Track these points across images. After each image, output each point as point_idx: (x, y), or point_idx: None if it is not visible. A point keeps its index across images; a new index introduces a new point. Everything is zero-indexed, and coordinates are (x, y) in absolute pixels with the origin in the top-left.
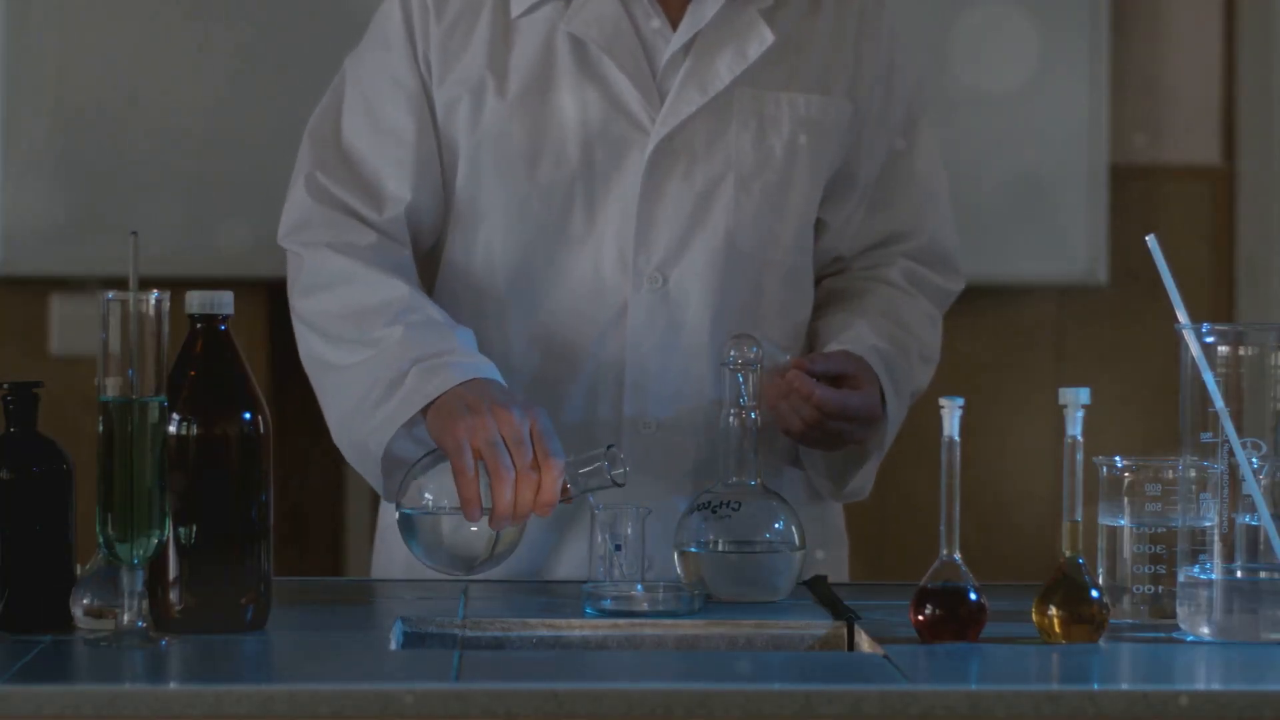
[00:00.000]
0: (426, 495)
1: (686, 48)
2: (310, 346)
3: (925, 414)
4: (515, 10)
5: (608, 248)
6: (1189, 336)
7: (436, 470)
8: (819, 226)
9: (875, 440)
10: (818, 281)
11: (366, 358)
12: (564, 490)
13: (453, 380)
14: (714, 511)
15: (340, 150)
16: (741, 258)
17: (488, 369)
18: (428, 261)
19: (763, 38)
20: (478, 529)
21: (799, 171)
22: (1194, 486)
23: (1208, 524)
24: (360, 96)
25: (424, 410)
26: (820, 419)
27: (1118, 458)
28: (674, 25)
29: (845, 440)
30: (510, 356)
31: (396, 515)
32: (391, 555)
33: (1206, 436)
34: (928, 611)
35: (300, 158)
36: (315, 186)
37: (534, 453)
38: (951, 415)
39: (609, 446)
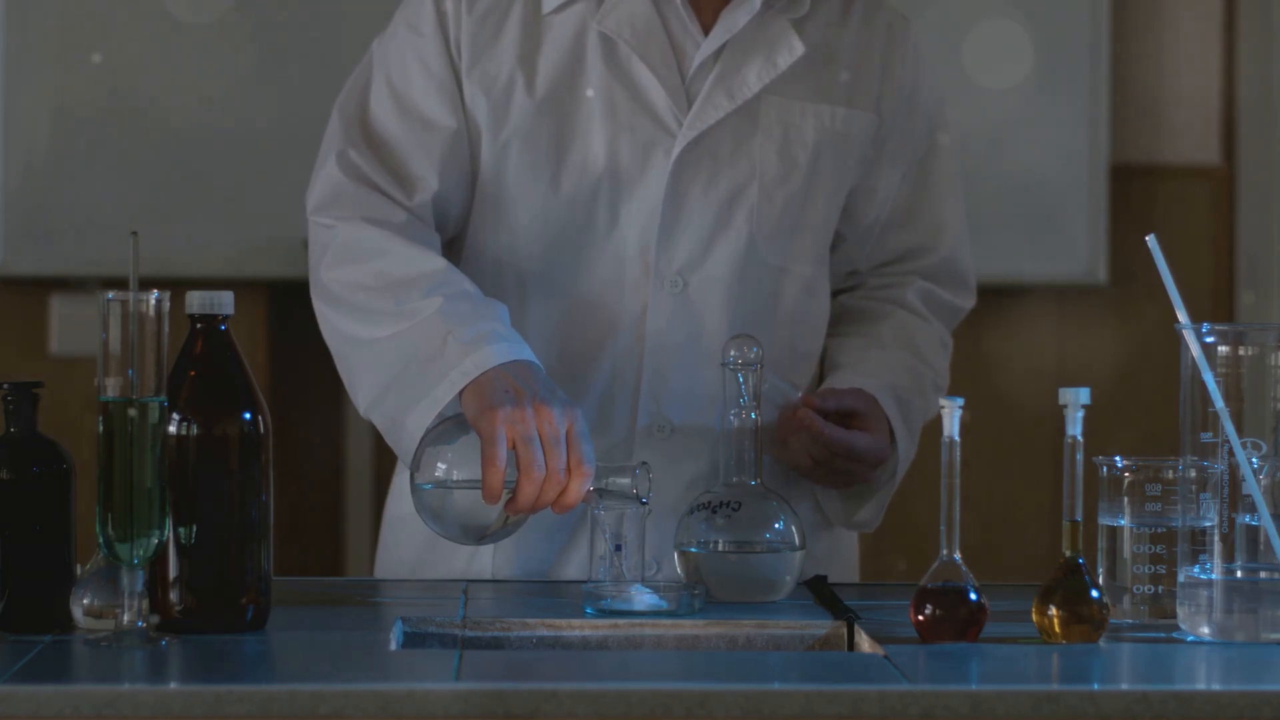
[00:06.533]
0: (443, 466)
1: (717, 53)
2: (336, 324)
3: None
4: (547, 7)
5: (630, 248)
6: (1189, 336)
7: (458, 443)
8: (836, 239)
9: (884, 476)
10: (833, 295)
11: (402, 329)
12: (585, 494)
13: (495, 360)
14: (714, 511)
15: (370, 133)
16: (761, 266)
17: (528, 351)
18: (448, 254)
19: (793, 48)
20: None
21: (821, 183)
22: (1194, 486)
23: (1208, 524)
24: (390, 82)
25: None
26: (828, 457)
27: (1118, 458)
28: (705, 30)
29: (852, 480)
30: None
31: (410, 483)
32: (399, 549)
33: (1206, 436)
34: (928, 611)
35: (329, 135)
36: (347, 163)
37: (567, 456)
38: (951, 415)
39: (642, 463)
